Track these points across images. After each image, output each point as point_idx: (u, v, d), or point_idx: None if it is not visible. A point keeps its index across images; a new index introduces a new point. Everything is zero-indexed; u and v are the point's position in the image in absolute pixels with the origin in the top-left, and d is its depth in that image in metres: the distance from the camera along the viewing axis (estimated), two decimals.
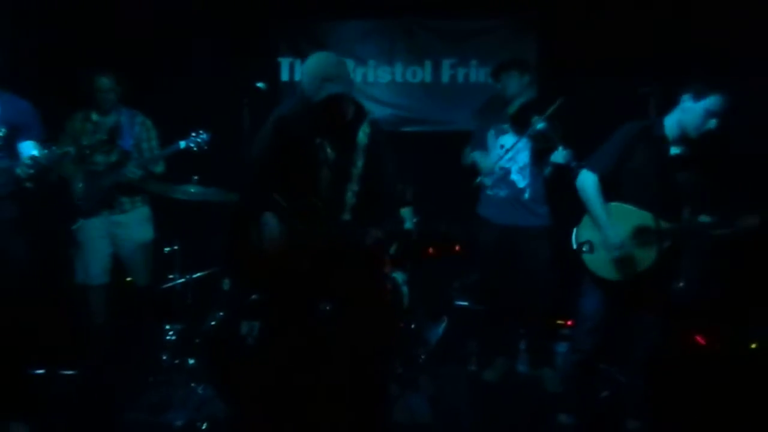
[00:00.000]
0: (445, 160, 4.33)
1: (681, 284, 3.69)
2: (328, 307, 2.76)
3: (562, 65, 4.34)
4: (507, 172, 3.72)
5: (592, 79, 4.04)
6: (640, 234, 2.71)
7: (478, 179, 3.70)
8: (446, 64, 4.67)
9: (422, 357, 3.62)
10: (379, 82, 4.71)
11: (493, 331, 3.93)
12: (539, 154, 3.61)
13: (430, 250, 3.13)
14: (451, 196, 4.29)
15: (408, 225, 3.52)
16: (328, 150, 2.64)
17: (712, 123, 2.63)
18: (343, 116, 2.62)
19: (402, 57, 4.69)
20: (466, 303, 4.20)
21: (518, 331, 3.97)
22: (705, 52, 3.91)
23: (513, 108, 3.68)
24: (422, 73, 4.69)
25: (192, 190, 3.43)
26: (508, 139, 3.70)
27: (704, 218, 2.70)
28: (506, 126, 3.72)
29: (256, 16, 4.62)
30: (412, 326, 3.68)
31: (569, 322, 3.89)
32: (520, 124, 3.59)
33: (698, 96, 2.65)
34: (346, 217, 2.62)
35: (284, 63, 4.72)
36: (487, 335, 3.96)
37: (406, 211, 3.96)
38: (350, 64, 4.69)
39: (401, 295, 3.65)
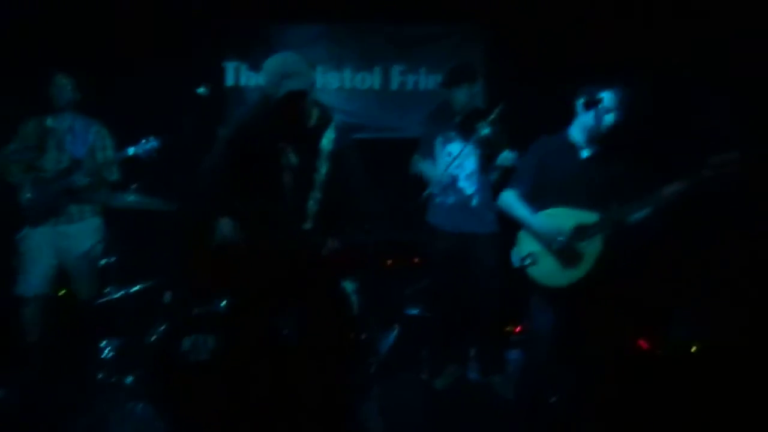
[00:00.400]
0: (394, 167, 4.29)
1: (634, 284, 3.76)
2: (284, 318, 2.68)
3: (510, 72, 4.38)
4: (455, 179, 3.72)
5: (538, 85, 4.10)
6: (580, 230, 2.76)
7: (427, 191, 3.68)
8: (396, 70, 4.65)
9: (373, 366, 3.56)
10: (328, 87, 4.64)
11: (444, 338, 3.91)
12: (486, 160, 3.62)
13: (389, 262, 3.10)
14: (401, 203, 4.28)
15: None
16: (291, 155, 2.56)
17: (610, 118, 2.74)
18: (305, 117, 2.55)
19: (351, 62, 4.64)
20: (417, 311, 4.16)
21: (469, 339, 3.96)
22: (649, 60, 4.02)
23: (459, 115, 3.69)
24: (371, 79, 4.65)
25: (130, 199, 3.27)
26: (455, 147, 3.70)
27: (628, 210, 2.75)
28: (453, 133, 3.73)
29: (201, 18, 4.48)
30: (363, 336, 3.62)
31: (518, 329, 3.91)
32: (466, 131, 3.61)
33: (591, 97, 2.77)
34: (308, 225, 2.55)
35: (229, 67, 4.59)
36: (438, 343, 3.94)
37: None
38: None
39: (351, 304, 3.59)
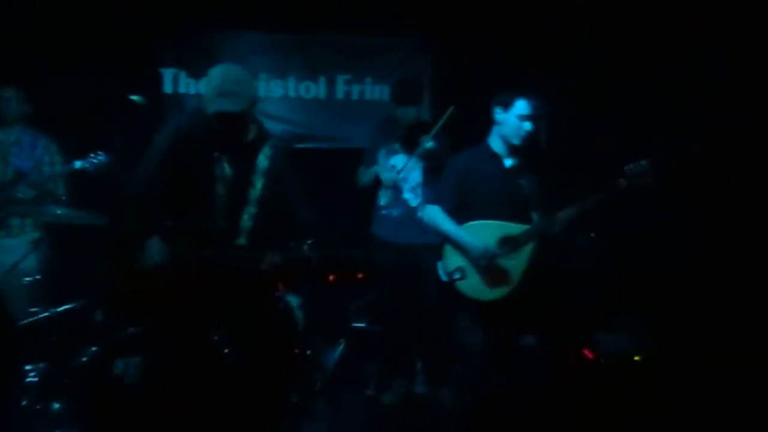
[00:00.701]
0: (339, 178, 4.23)
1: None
2: (217, 338, 2.55)
3: (456, 84, 4.40)
4: (399, 191, 3.72)
5: (483, 97, 4.10)
6: (506, 243, 2.74)
7: (379, 198, 3.68)
8: (341, 80, 4.59)
9: (318, 384, 3.46)
10: (271, 96, 4.54)
11: (390, 352, 3.85)
12: (430, 172, 3.61)
13: (331, 277, 3.04)
14: (345, 215, 4.21)
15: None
16: (226, 166, 2.46)
17: (527, 125, 2.74)
18: (240, 136, 2.46)
19: (296, 72, 4.56)
20: (363, 324, 4.09)
21: (415, 352, 3.92)
22: (595, 73, 4.11)
23: (403, 128, 3.70)
24: (316, 89, 4.58)
25: (59, 212, 3.08)
26: (398, 159, 3.70)
27: (552, 219, 2.77)
28: (397, 146, 3.73)
29: (140, 24, 4.29)
30: (308, 352, 3.52)
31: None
32: (409, 144, 3.61)
33: (506, 106, 2.76)
34: (242, 241, 2.45)
35: (167, 74, 4.42)
36: (385, 357, 3.88)
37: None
38: None
39: (295, 319, 3.49)
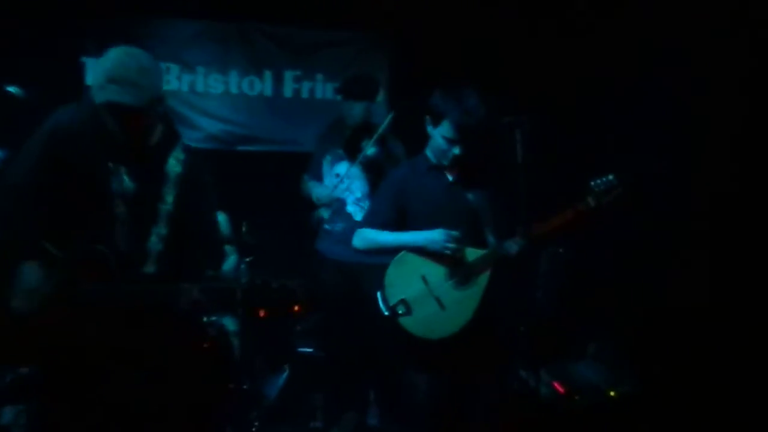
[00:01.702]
0: (286, 185, 3.81)
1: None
2: (127, 383, 2.08)
3: (416, 84, 4.01)
4: (342, 203, 3.34)
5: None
6: (456, 272, 2.34)
7: (316, 213, 3.33)
8: (289, 76, 4.16)
9: (256, 423, 3.04)
10: (211, 92, 4.07)
11: (339, 381, 3.45)
12: (375, 183, 3.23)
13: (261, 312, 2.62)
14: (292, 226, 3.80)
15: (235, 276, 2.97)
16: (125, 179, 1.98)
17: (456, 151, 2.33)
18: (142, 136, 1.99)
19: (238, 65, 4.10)
20: (310, 349, 3.69)
21: (367, 381, 3.54)
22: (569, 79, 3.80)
23: (347, 132, 3.32)
24: (261, 85, 4.13)
25: None
26: (343, 167, 3.33)
27: (510, 242, 2.35)
28: (341, 152, 3.36)
29: (59, 5, 3.78)
30: (244, 386, 3.09)
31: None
32: (352, 150, 3.26)
33: (434, 122, 2.37)
34: (150, 269, 1.98)
35: (90, 64, 3.90)
36: (333, 386, 3.48)
37: (229, 249, 3.41)
38: (174, 69, 4.01)
39: (230, 349, 3.06)
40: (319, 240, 3.41)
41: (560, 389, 2.94)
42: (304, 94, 4.18)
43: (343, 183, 3.29)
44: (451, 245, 2.30)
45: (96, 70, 1.88)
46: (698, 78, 3.14)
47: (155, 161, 1.99)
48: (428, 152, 2.46)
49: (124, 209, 1.94)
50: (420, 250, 2.35)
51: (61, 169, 1.91)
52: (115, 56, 1.87)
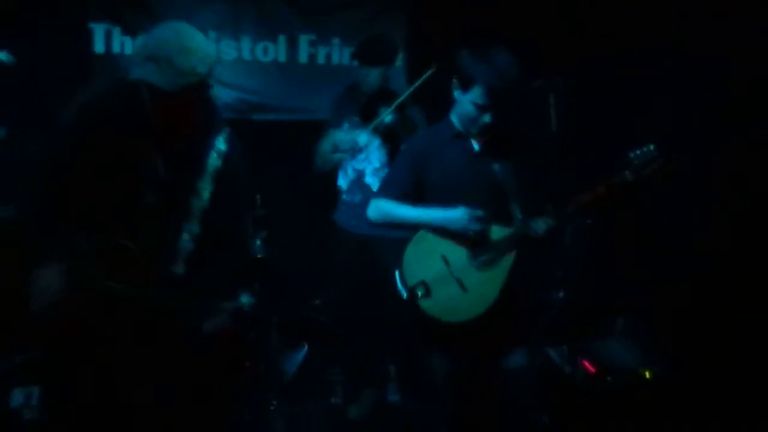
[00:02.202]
0: (302, 154, 3.67)
1: (561, 294, 3.37)
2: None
3: (438, 45, 3.80)
4: (360, 174, 3.19)
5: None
6: (479, 252, 2.19)
7: (339, 180, 3.17)
8: (304, 40, 3.96)
9: (274, 402, 2.97)
10: (223, 59, 3.87)
11: (358, 357, 3.37)
12: (393, 153, 3.08)
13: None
14: (309, 197, 3.67)
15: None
16: (159, 165, 1.83)
17: (486, 119, 2.16)
18: (181, 122, 1.83)
19: (250, 30, 3.90)
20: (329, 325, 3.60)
21: (387, 357, 3.45)
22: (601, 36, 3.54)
23: (363, 99, 3.16)
24: (275, 51, 3.94)
25: None
26: (361, 135, 3.16)
27: (538, 220, 2.19)
28: (357, 119, 3.19)
29: None
30: (261, 365, 3.02)
31: None
32: (369, 117, 3.09)
33: (463, 86, 2.18)
34: (179, 270, 1.82)
35: (98, 30, 3.74)
36: (352, 362, 3.40)
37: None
38: None
39: (245, 326, 2.96)
40: (338, 212, 3.28)
41: (591, 369, 2.81)
42: (320, 60, 3.98)
43: (361, 152, 3.14)
44: (473, 226, 2.14)
45: (137, 44, 1.73)
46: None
47: (194, 152, 1.84)
48: (453, 118, 2.27)
49: (154, 199, 1.79)
50: (440, 229, 2.21)
51: (92, 149, 1.76)
52: (159, 32, 1.73)
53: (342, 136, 3.18)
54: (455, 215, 2.15)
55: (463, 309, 2.16)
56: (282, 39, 3.93)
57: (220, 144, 1.89)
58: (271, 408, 2.95)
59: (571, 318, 3.18)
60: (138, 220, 1.80)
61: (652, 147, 2.12)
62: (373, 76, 3.12)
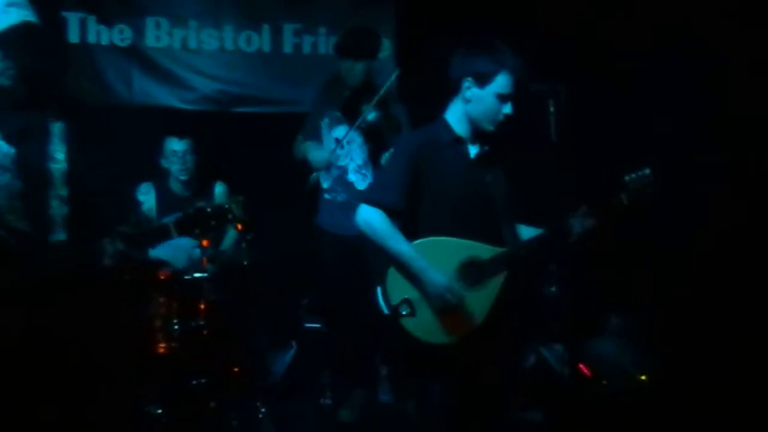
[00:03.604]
0: (286, 148, 3.56)
1: (552, 288, 3.32)
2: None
3: (424, 38, 3.67)
4: (343, 171, 3.09)
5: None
6: (467, 271, 2.07)
7: (312, 176, 3.10)
8: (288, 29, 3.81)
9: (263, 409, 2.89)
10: (204, 49, 3.75)
11: (347, 358, 3.30)
12: (376, 150, 3.00)
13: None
14: (293, 193, 3.56)
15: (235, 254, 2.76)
16: (2, 143, 1.76)
17: (508, 108, 2.07)
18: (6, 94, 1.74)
19: (232, 18, 3.76)
20: (317, 325, 3.52)
21: (377, 357, 3.38)
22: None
23: (349, 91, 3.04)
24: (259, 40, 3.80)
25: None
26: (341, 131, 3.07)
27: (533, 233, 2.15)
28: (339, 114, 3.09)
29: None
30: (248, 365, 2.93)
31: None
32: (351, 113, 2.99)
33: (483, 79, 2.06)
34: (60, 236, 1.78)
35: (72, 19, 3.58)
36: (342, 363, 3.33)
37: (230, 236, 3.19)
38: (165, 24, 3.69)
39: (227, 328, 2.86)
40: (320, 213, 3.18)
41: (586, 372, 2.76)
42: (306, 50, 3.85)
43: (342, 149, 3.04)
44: (449, 298, 2.03)
45: None
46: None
47: (33, 111, 1.78)
48: (452, 117, 2.15)
49: (8, 177, 1.73)
50: (428, 245, 2.08)
51: None
52: None
53: (317, 154, 3.07)
54: (436, 280, 2.04)
55: (450, 330, 2.06)
56: (266, 28, 3.79)
57: (55, 106, 1.85)
58: (260, 416, 2.86)
59: (565, 314, 3.13)
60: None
61: (648, 171, 2.05)
62: (357, 70, 3.00)
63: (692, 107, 2.88)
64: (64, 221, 1.78)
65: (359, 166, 3.09)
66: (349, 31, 3.14)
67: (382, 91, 2.89)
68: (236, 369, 2.87)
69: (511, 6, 3.50)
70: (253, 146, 3.66)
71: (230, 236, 3.21)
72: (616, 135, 3.14)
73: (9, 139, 1.76)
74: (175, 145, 3.14)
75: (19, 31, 1.69)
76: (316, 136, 3.17)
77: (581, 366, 2.79)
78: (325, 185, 3.14)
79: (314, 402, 3.32)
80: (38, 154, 1.79)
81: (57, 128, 1.82)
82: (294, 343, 3.49)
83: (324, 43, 3.86)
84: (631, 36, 3.23)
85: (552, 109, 1.94)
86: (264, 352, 3.35)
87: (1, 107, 1.76)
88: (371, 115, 2.90)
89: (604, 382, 2.71)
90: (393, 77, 2.91)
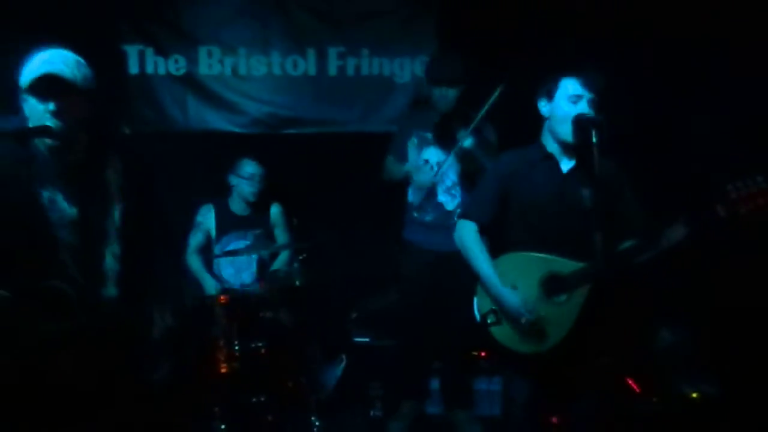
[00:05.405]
0: (336, 166, 3.68)
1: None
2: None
3: (467, 52, 3.71)
4: (432, 191, 3.14)
5: (501, 69, 3.41)
6: (550, 286, 2.14)
7: (409, 196, 3.16)
8: (333, 52, 3.94)
9: (316, 423, 2.99)
10: (254, 75, 3.90)
11: (399, 370, 3.37)
12: (469, 176, 3.05)
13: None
14: (345, 210, 3.67)
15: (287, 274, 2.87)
16: (65, 204, 1.82)
17: (582, 106, 2.09)
18: (68, 153, 1.81)
19: (279, 43, 3.90)
20: (366, 339, 3.61)
21: (430, 368, 3.44)
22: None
23: (434, 117, 3.10)
24: (305, 64, 3.93)
25: None
26: (432, 153, 3.13)
27: (625, 244, 2.16)
28: (430, 136, 3.14)
29: None
30: (302, 380, 3.04)
31: (483, 353, 3.43)
32: (444, 137, 3.04)
33: (549, 92, 2.17)
34: (111, 292, 1.85)
35: (132, 51, 3.79)
36: (393, 375, 3.40)
37: (283, 256, 3.31)
38: (216, 52, 3.86)
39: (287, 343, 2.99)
40: (407, 230, 3.24)
41: (635, 388, 2.76)
42: (350, 72, 3.95)
43: (432, 171, 3.06)
44: (528, 316, 2.12)
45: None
46: None
47: (90, 171, 1.84)
48: (544, 140, 2.24)
49: (71, 237, 1.82)
50: (511, 260, 2.21)
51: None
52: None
53: (421, 176, 3.09)
54: (510, 304, 2.16)
55: (533, 341, 2.15)
56: (311, 52, 3.92)
57: (114, 160, 1.89)
58: (315, 429, 2.97)
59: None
60: (60, 257, 1.80)
61: (761, 178, 1.85)
62: (450, 96, 3.05)
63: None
64: (116, 277, 1.85)
65: (448, 188, 3.15)
66: (437, 60, 3.22)
67: (480, 114, 2.83)
68: (291, 384, 2.99)
69: (546, 24, 3.54)
70: (303, 163, 3.78)
71: (282, 256, 3.33)
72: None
73: (70, 200, 1.82)
74: (253, 168, 3.31)
75: (46, 79, 1.74)
76: (402, 156, 3.22)
77: (630, 381, 2.78)
78: (413, 202, 3.18)
79: (365, 414, 3.39)
80: (97, 213, 1.85)
81: (114, 186, 1.88)
82: (344, 357, 3.58)
83: (366, 64, 3.96)
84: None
85: (596, 140, 1.94)
86: (316, 366, 3.46)
87: (62, 163, 1.82)
88: (467, 142, 2.93)
89: (654, 399, 2.69)
90: (491, 100, 2.80)
